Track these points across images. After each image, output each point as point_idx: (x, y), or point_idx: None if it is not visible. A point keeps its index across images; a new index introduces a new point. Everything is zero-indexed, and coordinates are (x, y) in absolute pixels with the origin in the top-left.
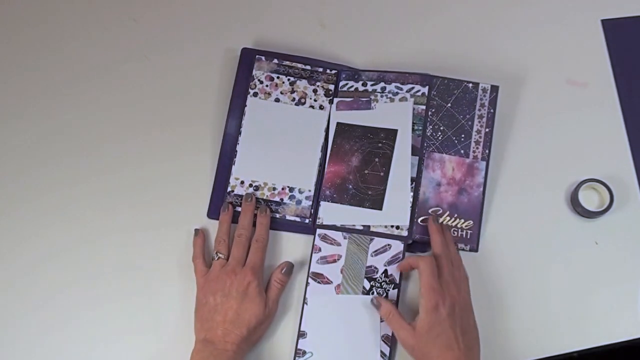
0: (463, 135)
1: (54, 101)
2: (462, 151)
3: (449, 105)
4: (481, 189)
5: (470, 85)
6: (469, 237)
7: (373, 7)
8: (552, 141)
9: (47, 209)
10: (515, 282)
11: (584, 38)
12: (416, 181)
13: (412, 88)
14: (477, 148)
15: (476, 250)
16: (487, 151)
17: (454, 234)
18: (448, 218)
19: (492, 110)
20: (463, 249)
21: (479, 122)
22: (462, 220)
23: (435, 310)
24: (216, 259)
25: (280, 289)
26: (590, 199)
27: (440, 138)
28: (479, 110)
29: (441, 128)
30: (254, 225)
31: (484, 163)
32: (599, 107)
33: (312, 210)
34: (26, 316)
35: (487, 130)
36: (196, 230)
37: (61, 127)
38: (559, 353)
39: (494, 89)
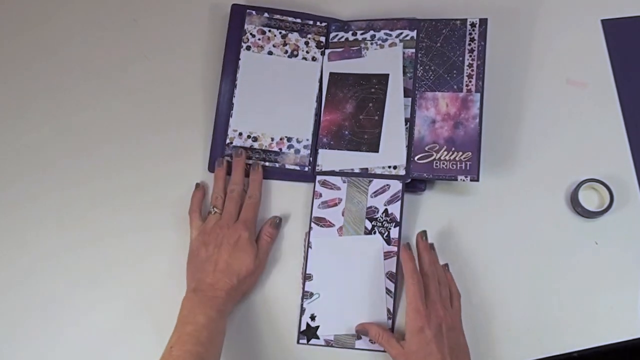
0: (455, 71)
1: (54, 101)
2: (455, 86)
3: (438, 45)
4: (477, 120)
5: (459, 22)
6: (468, 168)
7: None
8: (552, 141)
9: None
10: (515, 279)
11: (584, 38)
12: (410, 121)
13: (401, 33)
14: (470, 81)
15: (477, 180)
16: (480, 83)
17: (452, 167)
18: (445, 152)
19: (482, 43)
20: (463, 180)
21: (470, 56)
22: (460, 153)
23: (420, 332)
24: (212, 213)
25: (269, 242)
26: (590, 199)
27: (432, 77)
28: (469, 44)
29: (432, 68)
30: (248, 176)
31: (478, 95)
32: (599, 107)
33: (311, 158)
34: (27, 315)
35: (479, 62)
36: (197, 185)
37: (61, 126)
38: (559, 353)
39: (483, 21)
